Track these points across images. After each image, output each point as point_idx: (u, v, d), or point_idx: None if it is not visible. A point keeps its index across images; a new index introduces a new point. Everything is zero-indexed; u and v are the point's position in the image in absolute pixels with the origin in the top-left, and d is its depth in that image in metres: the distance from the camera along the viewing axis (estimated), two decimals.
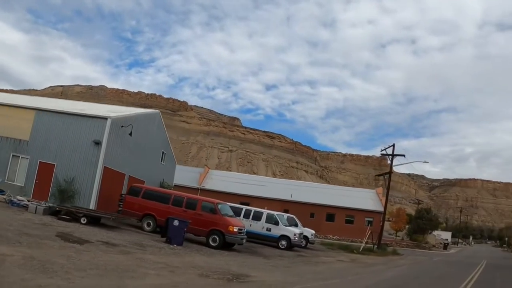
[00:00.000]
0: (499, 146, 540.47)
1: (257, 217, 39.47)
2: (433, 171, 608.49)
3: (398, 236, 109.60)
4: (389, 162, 57.81)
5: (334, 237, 72.64)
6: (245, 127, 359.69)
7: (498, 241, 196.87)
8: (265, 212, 40.21)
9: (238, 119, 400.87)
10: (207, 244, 29.04)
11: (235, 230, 29.31)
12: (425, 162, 60.15)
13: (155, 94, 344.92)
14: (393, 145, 57.31)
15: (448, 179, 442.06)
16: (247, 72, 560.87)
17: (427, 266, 41.61)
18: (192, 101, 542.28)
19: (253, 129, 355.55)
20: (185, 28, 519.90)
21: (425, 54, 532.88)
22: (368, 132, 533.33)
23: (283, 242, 38.38)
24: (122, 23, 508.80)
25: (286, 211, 73.37)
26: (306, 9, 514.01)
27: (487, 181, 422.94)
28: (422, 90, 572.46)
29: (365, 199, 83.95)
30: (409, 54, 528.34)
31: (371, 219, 76.75)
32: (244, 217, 39.11)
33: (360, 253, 46.68)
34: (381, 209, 77.94)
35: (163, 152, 50.54)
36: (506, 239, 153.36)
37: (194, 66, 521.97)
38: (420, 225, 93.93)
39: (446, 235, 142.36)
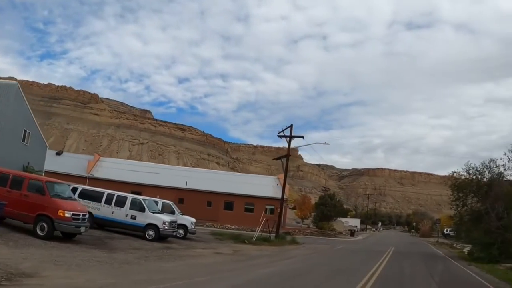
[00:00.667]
0: (405, 137, 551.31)
1: (121, 202, 31.89)
2: (343, 162, 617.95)
3: (305, 224, 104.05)
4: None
5: (233, 227, 66.20)
6: (156, 120, 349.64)
7: (406, 226, 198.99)
8: (130, 196, 32.74)
9: (149, 111, 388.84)
10: (34, 233, 21.63)
11: (67, 215, 21.78)
12: (325, 143, 54.39)
13: (65, 86, 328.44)
14: (291, 126, 51.43)
15: (356, 168, 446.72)
16: (160, 65, 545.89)
17: (325, 257, 35.56)
18: (104, 93, 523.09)
19: (164, 122, 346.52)
20: (98, 19, 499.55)
21: (335, 50, 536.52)
22: (279, 125, 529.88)
23: (150, 232, 30.89)
24: (34, 13, 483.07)
25: (181, 200, 67.30)
26: (220, 4, 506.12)
27: (394, 170, 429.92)
28: (332, 84, 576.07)
29: (267, 186, 77.51)
30: (320, 50, 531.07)
31: (272, 207, 70.86)
32: (105, 202, 31.83)
33: (252, 243, 40.33)
34: (285, 197, 72.80)
35: (25, 131, 42.54)
36: (414, 224, 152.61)
37: (106, 58, 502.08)
38: (324, 211, 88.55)
39: (355, 222, 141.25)
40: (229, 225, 67.28)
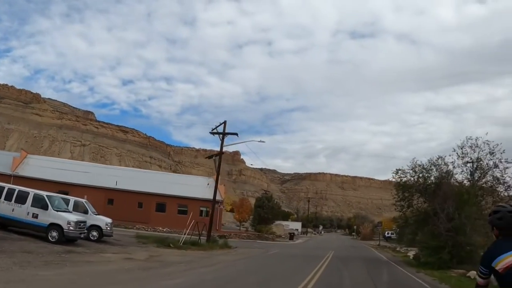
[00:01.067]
0: (347, 143, 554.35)
1: (22, 198, 27.18)
2: (285, 166, 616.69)
3: (244, 227, 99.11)
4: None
5: (164, 229, 61.63)
6: (99, 121, 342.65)
7: (347, 230, 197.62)
8: (32, 192, 27.96)
9: (92, 113, 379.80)
10: None
11: None
12: (261, 141, 51.06)
13: (7, 85, 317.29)
14: (224, 123, 47.44)
15: (298, 173, 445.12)
16: (104, 66, 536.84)
17: (255, 263, 31.35)
18: (47, 94, 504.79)
19: (107, 123, 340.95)
20: (44, 18, 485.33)
21: (280, 56, 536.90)
22: (222, 128, 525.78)
23: (53, 233, 26.16)
24: None
25: (110, 201, 62.90)
26: (167, 6, 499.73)
27: (336, 175, 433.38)
28: (275, 89, 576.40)
29: (202, 187, 72.31)
30: (264, 55, 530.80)
31: (207, 209, 66.53)
32: (5, 199, 27.26)
33: (177, 247, 36.09)
34: (218, 197, 68.49)
35: None
36: (355, 227, 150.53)
37: (51, 58, 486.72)
38: (261, 214, 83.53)
39: (296, 225, 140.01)
40: (160, 228, 62.79)
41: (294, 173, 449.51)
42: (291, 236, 79.19)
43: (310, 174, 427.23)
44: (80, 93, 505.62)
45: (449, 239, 32.45)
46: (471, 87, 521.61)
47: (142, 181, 71.76)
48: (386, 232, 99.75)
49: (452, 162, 38.21)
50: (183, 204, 69.04)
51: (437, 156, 39.35)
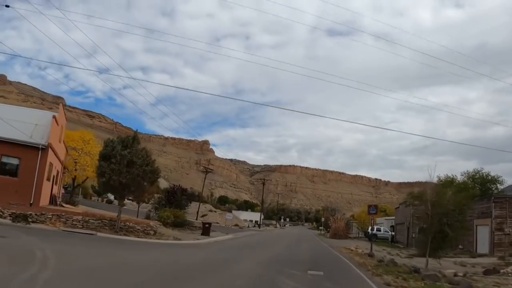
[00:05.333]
0: (319, 138, 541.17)
1: None
2: (257, 159, 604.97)
3: (150, 211, 57.78)
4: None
5: None
6: (65, 105, 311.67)
7: (314, 223, 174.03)
8: None
9: (62, 98, 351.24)
10: None
11: None
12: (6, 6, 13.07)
13: None
14: None
15: (268, 165, 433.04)
16: (81, 54, 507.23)
17: None
18: (23, 79, 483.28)
19: (73, 108, 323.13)
20: (23, 3, 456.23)
21: (257, 51, 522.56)
22: (196, 120, 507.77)
23: None
24: None
25: None
26: None
27: (306, 168, 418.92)
28: (251, 83, 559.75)
29: (25, 123, 33.57)
30: (242, 49, 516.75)
31: (17, 160, 30.31)
32: None
33: None
34: (41, 141, 31.18)
35: None
36: (323, 219, 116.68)
37: (27, 44, 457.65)
38: (105, 173, 27.92)
39: (253, 216, 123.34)
40: None
41: (264, 165, 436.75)
42: (206, 228, 40.07)
43: (280, 166, 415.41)
44: (56, 80, 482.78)
45: None
46: (445, 88, 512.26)
47: None
48: (371, 228, 59.23)
49: None
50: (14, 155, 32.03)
51: None
